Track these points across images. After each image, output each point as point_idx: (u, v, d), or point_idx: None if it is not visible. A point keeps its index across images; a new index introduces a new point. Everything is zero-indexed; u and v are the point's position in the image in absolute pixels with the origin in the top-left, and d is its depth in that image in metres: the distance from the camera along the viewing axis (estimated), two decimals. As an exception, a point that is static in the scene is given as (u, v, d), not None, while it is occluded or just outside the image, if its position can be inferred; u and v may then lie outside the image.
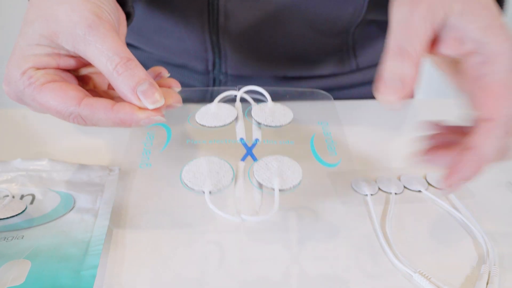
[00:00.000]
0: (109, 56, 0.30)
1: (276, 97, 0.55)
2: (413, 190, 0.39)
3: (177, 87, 0.35)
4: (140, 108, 0.30)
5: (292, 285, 0.28)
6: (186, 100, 0.57)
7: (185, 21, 0.52)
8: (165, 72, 0.36)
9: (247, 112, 0.33)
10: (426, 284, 0.29)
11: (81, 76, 0.35)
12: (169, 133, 0.31)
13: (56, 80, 0.32)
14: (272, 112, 0.32)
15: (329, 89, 0.59)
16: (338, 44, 0.56)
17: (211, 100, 0.58)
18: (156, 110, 0.31)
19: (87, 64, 0.33)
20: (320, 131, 0.31)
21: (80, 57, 0.32)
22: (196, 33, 0.53)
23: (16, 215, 0.33)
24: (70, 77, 0.34)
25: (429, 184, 0.40)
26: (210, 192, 0.26)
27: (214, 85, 0.57)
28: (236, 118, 0.32)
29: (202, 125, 0.32)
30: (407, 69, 0.29)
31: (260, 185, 0.26)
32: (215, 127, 0.31)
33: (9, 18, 1.30)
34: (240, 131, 0.31)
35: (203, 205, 0.26)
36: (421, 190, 0.39)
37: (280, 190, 0.26)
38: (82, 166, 0.39)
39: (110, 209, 0.35)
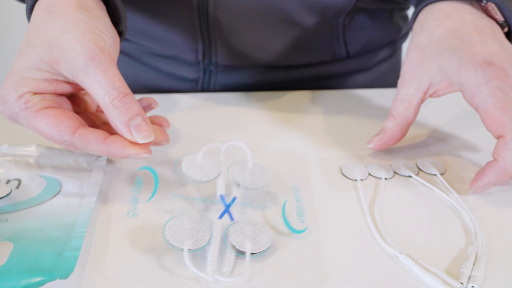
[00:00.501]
0: (108, 90, 0.31)
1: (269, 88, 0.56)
2: (403, 175, 0.39)
3: (167, 126, 0.38)
4: (130, 143, 0.32)
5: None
6: (176, 90, 0.57)
7: (174, 11, 0.52)
8: (154, 104, 0.38)
9: (229, 169, 0.35)
10: (412, 265, 0.29)
11: (73, 97, 0.37)
12: (157, 181, 0.33)
13: (52, 106, 0.33)
14: (252, 173, 0.35)
15: (320, 78, 0.59)
16: (328, 32, 0.55)
17: (202, 90, 0.58)
18: (145, 146, 0.32)
19: (82, 90, 0.35)
20: (292, 197, 0.34)
21: (77, 84, 0.33)
22: (185, 23, 0.52)
23: (0, 198, 0.33)
24: (65, 101, 0.35)
25: (419, 169, 0.40)
26: (189, 250, 0.28)
27: (204, 75, 0.57)
28: (219, 175, 0.34)
29: (188, 176, 0.34)
30: (388, 123, 0.40)
31: (234, 248, 0.29)
32: (199, 181, 0.34)
33: (8, 21, 1.30)
34: (220, 187, 0.33)
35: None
36: (411, 175, 0.39)
37: (251, 254, 0.28)
38: (70, 152, 0.39)
39: (96, 193, 0.34)
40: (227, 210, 0.31)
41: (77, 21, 0.33)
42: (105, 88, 0.31)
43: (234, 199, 0.33)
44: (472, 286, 0.28)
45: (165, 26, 0.54)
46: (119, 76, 0.32)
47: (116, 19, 0.38)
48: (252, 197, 0.34)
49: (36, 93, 0.32)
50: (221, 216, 0.31)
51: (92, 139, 0.32)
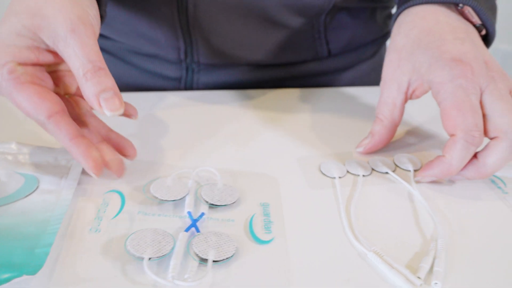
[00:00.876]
0: (83, 62, 0.32)
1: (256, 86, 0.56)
2: (380, 172, 0.40)
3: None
4: (89, 154, 0.33)
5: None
6: (159, 89, 0.57)
7: (155, 9, 0.52)
8: (134, 116, 0.39)
9: (198, 191, 0.35)
10: (379, 262, 0.29)
11: (55, 75, 0.37)
12: (123, 202, 0.34)
13: (35, 83, 0.33)
14: (220, 192, 0.35)
15: (302, 76, 0.60)
16: (310, 30, 0.56)
17: (185, 89, 0.58)
18: (97, 166, 0.33)
19: (62, 61, 0.35)
20: (261, 212, 0.34)
21: (57, 54, 0.33)
22: (166, 21, 0.53)
23: (-23, 195, 0.33)
24: (47, 78, 0.35)
25: (396, 165, 0.41)
26: (149, 259, 0.28)
27: (187, 74, 0.57)
28: (187, 194, 0.35)
29: (155, 197, 0.34)
30: (376, 127, 0.41)
31: (197, 256, 0.29)
32: (166, 200, 0.34)
33: None
34: (188, 205, 0.33)
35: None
36: (388, 171, 0.39)
37: (214, 261, 0.28)
38: (50, 149, 0.39)
39: (73, 190, 0.34)
40: (193, 224, 0.31)
41: None
42: (80, 60, 0.32)
43: (202, 214, 0.33)
44: (436, 283, 0.28)
45: (147, 25, 0.54)
46: (96, 50, 0.32)
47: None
48: (220, 213, 0.34)
49: (19, 64, 0.33)
50: (187, 229, 0.31)
51: (63, 131, 0.33)
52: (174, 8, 0.51)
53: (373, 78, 0.63)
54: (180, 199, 0.34)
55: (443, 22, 0.39)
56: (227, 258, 0.29)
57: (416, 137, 0.46)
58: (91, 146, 0.34)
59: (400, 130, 0.47)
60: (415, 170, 0.40)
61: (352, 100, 0.54)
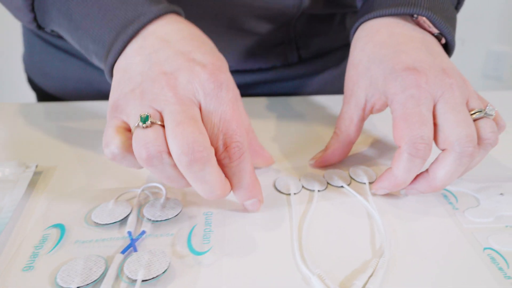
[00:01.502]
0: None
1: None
2: (336, 186, 0.39)
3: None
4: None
5: None
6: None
7: None
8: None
9: (140, 209, 0.35)
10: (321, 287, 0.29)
11: None
12: (62, 234, 0.33)
13: None
14: (163, 207, 0.35)
15: (271, 82, 0.59)
16: (280, 37, 0.55)
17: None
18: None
19: None
20: (202, 221, 0.34)
21: None
22: None
23: None
24: None
25: (351, 178, 0.40)
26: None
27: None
28: (130, 214, 0.34)
29: (96, 223, 0.33)
30: (331, 140, 0.41)
31: (128, 278, 0.28)
32: (106, 224, 0.33)
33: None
34: (129, 224, 0.33)
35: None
36: (343, 185, 0.39)
37: (144, 281, 0.28)
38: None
39: (14, 206, 0.34)
40: (131, 244, 0.31)
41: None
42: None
43: (142, 232, 0.32)
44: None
45: None
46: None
47: None
48: (162, 228, 0.33)
49: None
50: (124, 251, 0.30)
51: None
52: None
53: (342, 84, 0.63)
54: (120, 220, 0.34)
55: (398, 34, 0.39)
56: (157, 276, 0.28)
57: (377, 149, 0.45)
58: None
59: (362, 142, 0.46)
60: (370, 183, 0.39)
61: (317, 109, 0.54)
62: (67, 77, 0.61)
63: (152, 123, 0.29)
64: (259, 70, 0.59)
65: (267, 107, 0.54)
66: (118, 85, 0.32)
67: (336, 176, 0.40)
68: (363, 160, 0.43)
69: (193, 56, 0.32)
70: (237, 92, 0.33)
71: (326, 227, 0.34)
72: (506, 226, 0.34)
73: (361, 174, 0.40)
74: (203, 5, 0.50)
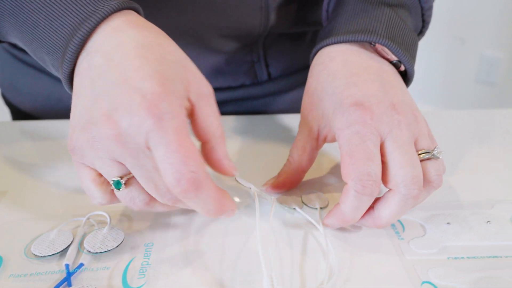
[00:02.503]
0: (220, 123, 0.33)
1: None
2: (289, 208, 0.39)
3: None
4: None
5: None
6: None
7: None
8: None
9: (82, 239, 0.35)
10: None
11: None
12: None
13: None
14: (105, 237, 0.34)
15: (241, 100, 0.59)
16: (249, 55, 0.55)
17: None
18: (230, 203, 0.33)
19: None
20: (142, 254, 0.34)
21: (191, 113, 0.33)
22: None
23: None
24: None
25: (303, 203, 0.40)
26: None
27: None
28: (70, 245, 0.34)
29: (36, 255, 0.33)
30: (283, 168, 0.41)
31: None
32: (45, 256, 0.33)
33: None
34: (68, 257, 0.33)
35: None
36: (296, 207, 0.39)
37: None
38: None
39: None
40: (66, 278, 0.31)
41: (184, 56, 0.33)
42: (218, 121, 0.33)
43: (80, 265, 0.32)
44: None
45: None
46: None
47: None
48: (101, 260, 0.33)
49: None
50: (57, 286, 0.30)
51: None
52: None
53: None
54: (60, 252, 0.33)
55: (352, 63, 0.38)
56: None
57: (337, 176, 0.45)
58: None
59: (320, 168, 0.46)
60: (322, 208, 0.39)
61: (285, 129, 0.53)
62: (37, 94, 0.61)
63: (126, 182, 0.31)
64: (228, 88, 0.58)
65: (235, 126, 0.54)
66: (73, 112, 0.32)
67: (290, 200, 0.40)
68: (319, 185, 0.43)
69: (133, 83, 0.30)
70: (183, 117, 0.31)
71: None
72: (448, 258, 0.34)
73: (314, 199, 0.40)
74: (169, 23, 0.50)
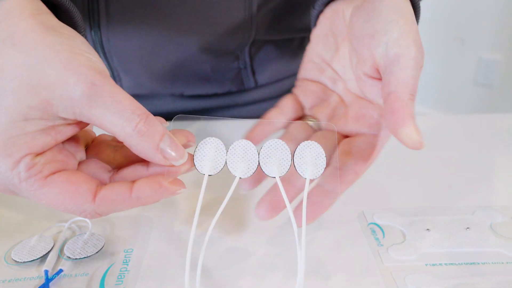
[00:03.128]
0: (125, 116, 0.26)
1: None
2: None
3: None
4: (159, 183, 0.27)
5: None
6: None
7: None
8: (192, 140, 0.31)
9: (63, 245, 0.35)
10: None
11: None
12: None
13: (60, 169, 0.27)
14: (84, 244, 0.34)
15: (227, 107, 0.59)
16: (235, 62, 0.55)
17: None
18: (176, 181, 0.28)
19: (85, 126, 0.29)
20: (121, 259, 0.34)
21: (79, 122, 0.27)
22: None
23: None
24: (70, 157, 0.28)
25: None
26: None
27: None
28: (51, 250, 0.34)
29: (16, 261, 0.33)
30: None
31: None
32: (24, 262, 0.33)
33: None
34: (48, 263, 0.33)
35: None
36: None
37: None
38: None
39: None
40: (45, 285, 0.31)
41: (53, 45, 0.25)
42: (121, 115, 0.26)
43: (59, 271, 0.32)
44: None
45: None
46: (129, 96, 0.26)
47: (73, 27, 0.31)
48: (81, 266, 0.33)
49: (38, 154, 0.26)
50: None
51: (117, 198, 0.27)
52: (89, 39, 0.50)
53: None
54: (40, 258, 0.34)
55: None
56: None
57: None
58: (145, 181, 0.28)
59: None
60: None
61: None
62: None
63: None
64: (215, 95, 0.59)
65: (223, 129, 0.54)
66: None
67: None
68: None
69: None
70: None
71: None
72: (426, 265, 0.34)
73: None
74: (151, 30, 0.50)
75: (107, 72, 0.27)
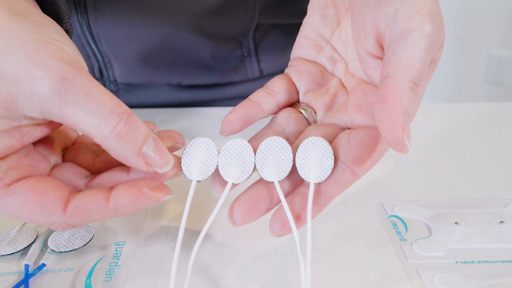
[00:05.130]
0: (102, 116, 0.22)
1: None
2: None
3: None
4: (140, 191, 0.24)
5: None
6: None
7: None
8: (180, 141, 0.28)
9: (46, 237, 0.31)
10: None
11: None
12: None
13: (26, 175, 0.24)
14: (71, 236, 0.31)
15: (229, 99, 0.55)
16: (238, 49, 0.51)
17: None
18: (161, 187, 0.25)
19: (58, 127, 0.25)
20: (111, 253, 0.30)
21: (50, 122, 0.24)
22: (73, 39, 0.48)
23: None
24: (40, 161, 0.25)
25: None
26: None
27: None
28: (33, 243, 0.31)
29: None
30: None
31: None
32: (3, 255, 0.30)
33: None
34: (29, 256, 0.29)
35: None
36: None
37: None
38: None
39: None
40: (24, 281, 0.27)
41: (19, 33, 0.22)
42: (97, 115, 0.22)
43: (41, 266, 0.29)
44: None
45: None
46: (107, 92, 0.23)
47: (55, 15, 0.27)
48: (67, 261, 0.30)
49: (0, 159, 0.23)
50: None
51: (92, 208, 0.23)
52: (79, 29, 0.46)
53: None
54: (21, 250, 0.30)
55: None
56: None
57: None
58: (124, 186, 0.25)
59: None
60: None
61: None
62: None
63: None
64: (215, 85, 0.54)
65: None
66: None
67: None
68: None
69: None
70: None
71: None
72: (456, 262, 0.30)
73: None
74: (147, 12, 0.46)
75: (82, 64, 0.23)
